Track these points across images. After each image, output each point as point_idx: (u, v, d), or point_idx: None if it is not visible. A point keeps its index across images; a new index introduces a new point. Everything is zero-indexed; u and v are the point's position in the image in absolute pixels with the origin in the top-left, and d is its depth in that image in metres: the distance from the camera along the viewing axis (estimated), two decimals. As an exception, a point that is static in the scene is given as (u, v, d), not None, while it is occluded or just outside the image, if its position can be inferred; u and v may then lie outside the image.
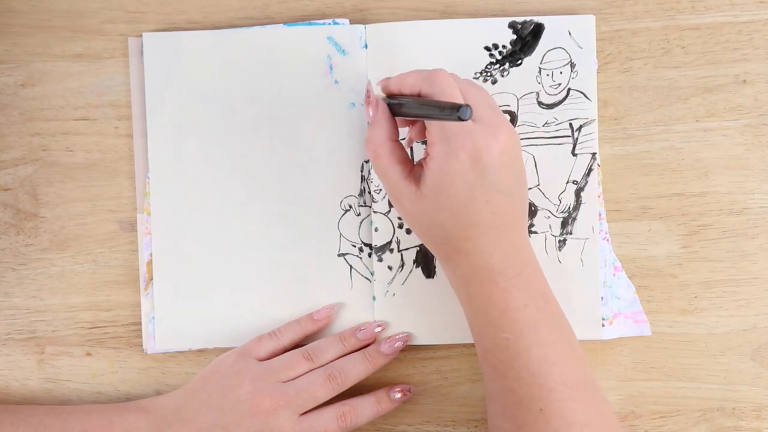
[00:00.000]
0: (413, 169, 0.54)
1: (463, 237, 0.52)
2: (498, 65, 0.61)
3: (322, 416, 0.57)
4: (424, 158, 0.53)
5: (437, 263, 0.61)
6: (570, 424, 0.51)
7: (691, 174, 0.62)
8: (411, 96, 0.54)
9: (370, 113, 0.55)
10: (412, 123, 0.57)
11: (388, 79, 0.56)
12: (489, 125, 0.52)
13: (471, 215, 0.52)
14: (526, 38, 0.61)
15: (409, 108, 0.53)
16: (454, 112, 0.48)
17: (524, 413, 0.52)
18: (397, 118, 0.55)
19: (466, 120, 0.48)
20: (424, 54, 0.61)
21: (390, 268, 0.61)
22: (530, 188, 0.61)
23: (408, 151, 0.60)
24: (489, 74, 0.61)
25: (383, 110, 0.55)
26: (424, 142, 0.57)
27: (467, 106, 0.48)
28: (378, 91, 0.57)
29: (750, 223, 0.62)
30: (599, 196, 0.61)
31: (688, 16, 0.62)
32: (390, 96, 0.56)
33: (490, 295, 0.53)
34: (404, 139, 0.59)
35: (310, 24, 0.61)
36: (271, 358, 0.58)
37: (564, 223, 0.61)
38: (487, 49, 0.61)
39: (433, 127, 0.52)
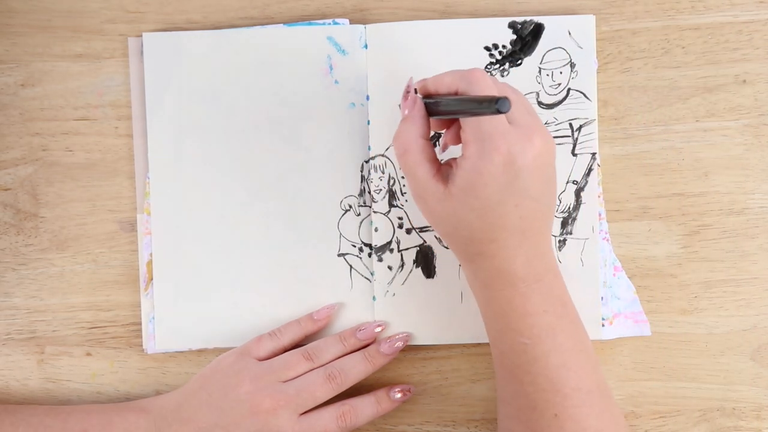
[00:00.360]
0: (441, 168, 0.54)
1: (488, 239, 0.52)
2: (498, 65, 0.61)
3: (322, 416, 0.57)
4: (456, 158, 0.53)
5: (437, 263, 0.61)
6: (584, 429, 0.51)
7: (691, 174, 0.62)
8: (448, 95, 0.53)
9: (406, 111, 0.54)
10: (447, 126, 0.56)
11: (425, 79, 0.55)
12: (525, 129, 0.51)
13: (499, 218, 0.51)
14: (526, 38, 0.61)
15: (446, 105, 0.53)
16: (493, 104, 0.47)
17: (538, 418, 0.52)
18: (431, 120, 0.55)
19: (505, 112, 0.47)
20: (424, 54, 0.61)
21: (390, 268, 0.61)
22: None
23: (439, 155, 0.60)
24: (489, 74, 0.61)
25: (420, 107, 0.54)
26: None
27: (506, 98, 0.47)
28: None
29: (750, 223, 0.62)
30: (599, 196, 0.61)
31: (688, 16, 0.62)
32: (426, 96, 0.55)
33: (510, 299, 0.52)
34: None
35: (310, 24, 0.61)
36: (271, 358, 0.58)
37: (564, 223, 0.61)
38: (487, 49, 0.61)
39: (468, 127, 0.51)
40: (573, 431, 0.51)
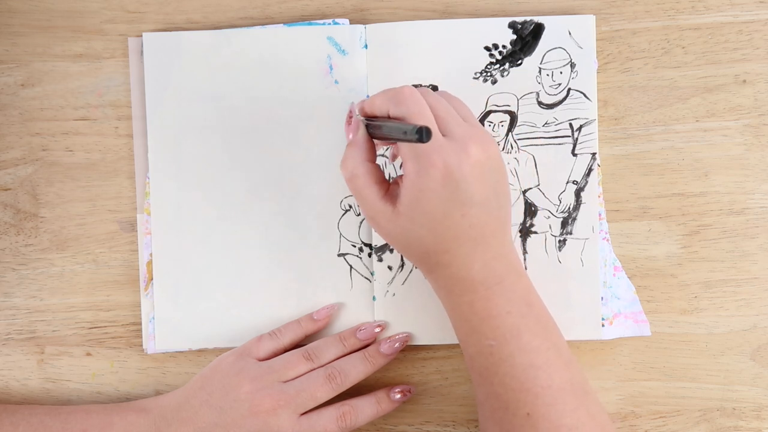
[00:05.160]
0: (389, 188, 0.54)
1: (441, 251, 0.53)
2: (498, 65, 0.61)
3: (322, 416, 0.57)
4: (399, 176, 0.54)
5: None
6: (558, 427, 0.51)
7: (691, 174, 0.62)
8: (382, 118, 0.54)
9: (350, 135, 0.55)
10: (392, 142, 0.57)
11: (363, 101, 0.56)
12: (460, 140, 0.52)
13: (448, 229, 0.52)
14: (526, 38, 0.61)
15: (378, 131, 0.54)
16: (414, 134, 0.48)
17: (511, 418, 0.52)
18: (375, 139, 0.55)
19: (426, 142, 0.48)
20: (424, 54, 0.61)
21: (390, 268, 0.61)
22: (530, 188, 0.61)
23: (393, 169, 0.61)
24: (489, 74, 0.61)
25: (362, 131, 0.55)
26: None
27: (425, 128, 0.47)
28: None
29: (750, 223, 0.62)
30: (599, 196, 0.61)
31: (688, 16, 0.62)
32: (367, 117, 0.56)
33: (471, 303, 0.53)
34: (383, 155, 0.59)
35: (310, 24, 0.61)
36: (271, 358, 0.58)
37: (564, 223, 0.61)
38: (487, 49, 0.61)
39: (404, 146, 0.52)
40: (547, 430, 0.51)
